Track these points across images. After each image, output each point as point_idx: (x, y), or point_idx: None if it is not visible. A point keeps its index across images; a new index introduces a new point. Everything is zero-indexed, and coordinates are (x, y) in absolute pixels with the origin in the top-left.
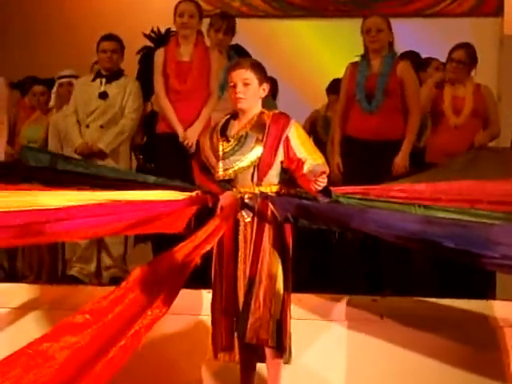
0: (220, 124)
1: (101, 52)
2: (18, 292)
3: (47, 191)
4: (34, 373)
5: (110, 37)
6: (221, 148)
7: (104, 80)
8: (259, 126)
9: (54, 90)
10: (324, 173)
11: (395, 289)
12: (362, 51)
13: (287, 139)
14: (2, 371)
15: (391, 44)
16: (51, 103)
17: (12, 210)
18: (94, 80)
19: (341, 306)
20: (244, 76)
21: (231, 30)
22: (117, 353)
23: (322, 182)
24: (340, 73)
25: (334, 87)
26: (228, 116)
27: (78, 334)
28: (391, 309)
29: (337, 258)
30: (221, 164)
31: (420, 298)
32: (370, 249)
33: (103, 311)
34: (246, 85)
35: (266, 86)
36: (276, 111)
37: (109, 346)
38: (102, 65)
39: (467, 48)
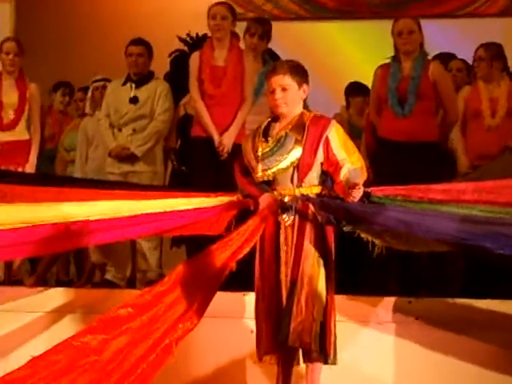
0: (262, 126)
1: (128, 56)
2: (54, 296)
3: (84, 201)
4: (77, 365)
5: (137, 41)
6: (260, 149)
7: (133, 85)
8: (299, 126)
9: (89, 95)
10: (357, 184)
11: (430, 290)
12: (393, 53)
13: (327, 140)
14: (47, 362)
15: (421, 45)
16: (86, 108)
17: (53, 219)
18: (124, 84)
19: (376, 308)
20: (282, 82)
21: (266, 35)
22: (150, 363)
23: (357, 194)
24: (372, 74)
25: (355, 89)
26: (270, 118)
27: (121, 327)
28: (426, 310)
29: (372, 259)
30: (260, 165)
31: (455, 300)
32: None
33: (146, 305)
34: (284, 90)
35: (305, 87)
36: (317, 113)
37: (148, 346)
38: (130, 69)
39: (488, 46)
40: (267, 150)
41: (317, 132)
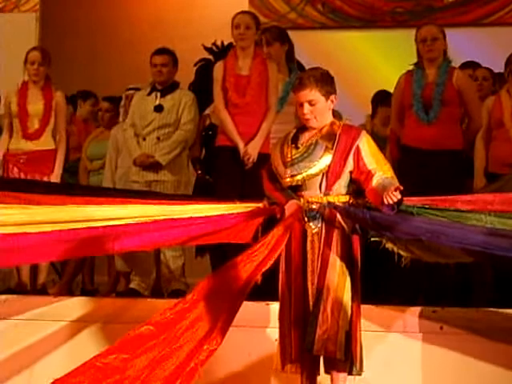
0: (291, 134)
1: (152, 66)
2: (77, 305)
3: (111, 205)
4: None
5: (161, 50)
6: (289, 154)
7: (159, 94)
8: (329, 135)
9: (122, 103)
10: (399, 188)
11: (455, 299)
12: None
13: (358, 150)
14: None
15: (445, 53)
16: (120, 117)
17: (80, 224)
18: (149, 94)
19: (401, 317)
20: (309, 97)
21: (273, 41)
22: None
23: (396, 196)
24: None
25: (384, 99)
26: (298, 127)
27: (143, 346)
28: (451, 320)
29: (396, 268)
30: (288, 170)
31: (480, 309)
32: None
33: (169, 324)
34: (312, 105)
35: (333, 98)
36: (347, 122)
37: (173, 369)
38: (154, 78)
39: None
40: (297, 155)
41: (348, 141)
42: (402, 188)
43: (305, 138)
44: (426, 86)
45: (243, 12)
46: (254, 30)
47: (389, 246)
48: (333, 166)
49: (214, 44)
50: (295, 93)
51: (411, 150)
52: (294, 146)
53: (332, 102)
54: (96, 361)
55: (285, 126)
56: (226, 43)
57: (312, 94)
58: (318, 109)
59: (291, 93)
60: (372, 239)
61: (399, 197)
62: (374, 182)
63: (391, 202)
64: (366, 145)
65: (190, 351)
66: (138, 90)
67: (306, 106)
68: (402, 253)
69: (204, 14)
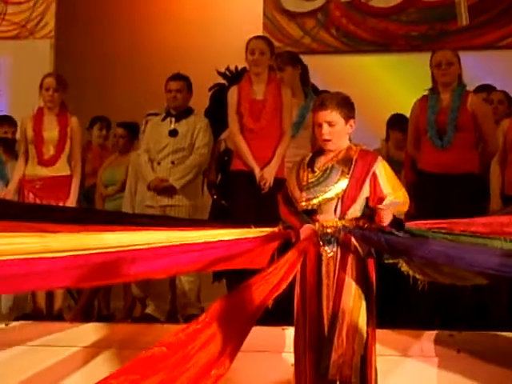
0: (307, 158)
1: (167, 92)
2: (93, 331)
3: (126, 231)
4: None
5: (176, 76)
6: (305, 178)
7: (173, 119)
8: (346, 160)
9: (142, 128)
10: (382, 210)
11: (472, 323)
12: (431, 85)
13: (374, 176)
14: None
15: (460, 77)
16: (140, 143)
17: (94, 250)
18: (164, 119)
19: (417, 341)
20: (329, 118)
21: (292, 63)
22: None
23: (384, 215)
24: (411, 107)
25: (397, 123)
26: (314, 152)
27: (154, 366)
28: (468, 343)
29: (412, 292)
30: (304, 194)
31: (498, 333)
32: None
33: (180, 344)
34: (331, 126)
35: (352, 122)
36: (363, 147)
37: None
38: (169, 104)
39: None
40: (313, 180)
41: (364, 166)
42: (385, 206)
43: (321, 162)
44: (441, 111)
45: (258, 37)
46: (269, 55)
47: (404, 269)
48: (348, 190)
49: (228, 69)
50: (315, 113)
51: (427, 174)
52: (310, 169)
53: (351, 126)
54: (106, 382)
55: (300, 151)
56: (239, 68)
57: (332, 115)
58: (337, 131)
59: (307, 117)
60: (387, 262)
61: (387, 215)
62: (383, 203)
63: (380, 222)
64: (382, 171)
65: (197, 375)
66: (157, 115)
67: (325, 127)
68: (417, 276)
69: (218, 38)
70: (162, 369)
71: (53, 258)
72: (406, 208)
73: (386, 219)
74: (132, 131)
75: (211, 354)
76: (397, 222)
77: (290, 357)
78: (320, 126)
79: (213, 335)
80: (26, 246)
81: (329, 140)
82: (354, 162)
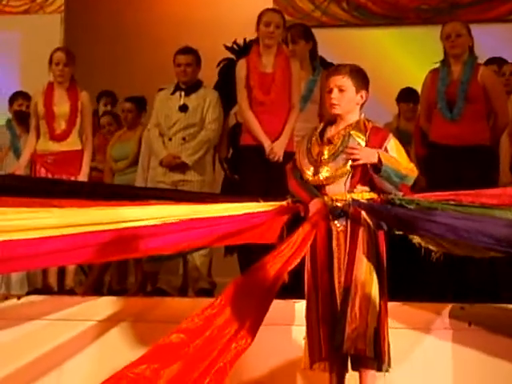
0: (318, 129)
1: (176, 66)
2: (105, 305)
3: (137, 206)
4: None
5: (184, 50)
6: (315, 151)
7: (183, 93)
8: (360, 130)
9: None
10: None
11: (483, 296)
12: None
13: (386, 151)
14: None
15: (471, 49)
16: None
17: (106, 226)
18: (173, 93)
19: (428, 315)
20: (340, 82)
21: (297, 38)
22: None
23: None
24: (421, 81)
25: (404, 96)
26: (326, 122)
27: (174, 354)
28: (479, 316)
29: (424, 265)
30: (313, 167)
31: (508, 305)
32: (457, 255)
33: (198, 330)
34: (341, 91)
35: (364, 93)
36: (375, 123)
37: (202, 369)
38: (178, 78)
39: None
40: (324, 152)
41: (376, 142)
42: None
43: (331, 133)
44: (451, 83)
45: (273, 10)
46: (282, 29)
47: (417, 241)
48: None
49: (235, 43)
50: (327, 78)
51: (438, 146)
52: (320, 142)
53: (361, 97)
54: (128, 371)
55: (308, 124)
56: (247, 40)
57: (343, 80)
58: (346, 97)
59: (314, 91)
60: (397, 233)
61: (361, 153)
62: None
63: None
64: (394, 147)
65: (218, 351)
66: None
67: (335, 92)
68: (431, 247)
69: (228, 12)
70: (182, 356)
71: (65, 235)
72: (411, 174)
73: (362, 155)
74: (139, 105)
75: (230, 332)
76: (373, 166)
77: (301, 330)
78: (331, 91)
79: (229, 317)
80: (39, 221)
81: (336, 104)
82: (367, 137)
